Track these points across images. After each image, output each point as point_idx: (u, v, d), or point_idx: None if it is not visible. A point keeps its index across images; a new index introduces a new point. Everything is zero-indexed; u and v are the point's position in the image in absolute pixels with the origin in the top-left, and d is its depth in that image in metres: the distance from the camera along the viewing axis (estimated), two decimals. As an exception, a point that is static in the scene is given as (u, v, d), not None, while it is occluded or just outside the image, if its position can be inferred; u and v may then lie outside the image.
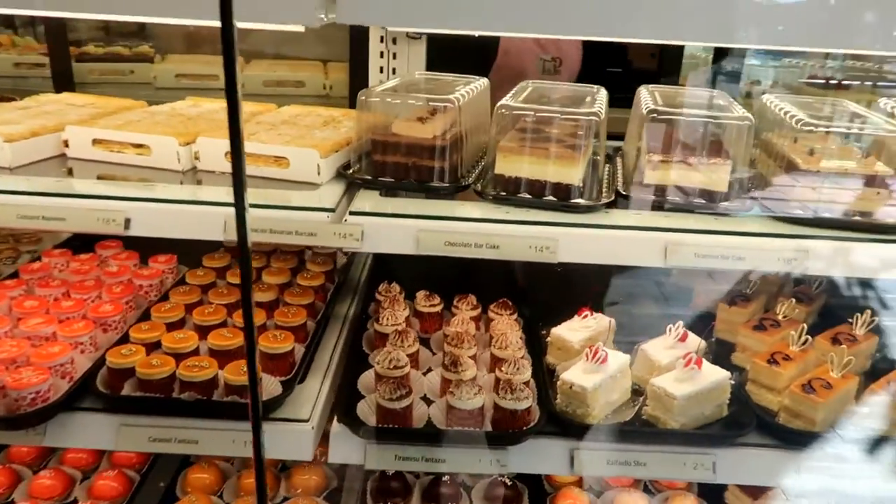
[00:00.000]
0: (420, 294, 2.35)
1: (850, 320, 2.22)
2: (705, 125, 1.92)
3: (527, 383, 1.90)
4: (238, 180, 0.96)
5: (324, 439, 1.89)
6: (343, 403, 1.93)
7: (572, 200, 1.84)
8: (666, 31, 1.51)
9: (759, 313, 2.33)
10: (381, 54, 2.66)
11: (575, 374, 1.89)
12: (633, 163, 2.03)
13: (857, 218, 1.82)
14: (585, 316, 2.19)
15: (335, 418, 1.88)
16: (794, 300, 2.27)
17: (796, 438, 1.88)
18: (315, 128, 2.20)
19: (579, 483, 2.41)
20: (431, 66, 2.65)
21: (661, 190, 1.89)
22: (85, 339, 1.98)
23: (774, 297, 2.42)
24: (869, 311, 2.20)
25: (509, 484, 2.31)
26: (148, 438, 1.81)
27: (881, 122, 2.02)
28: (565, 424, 1.87)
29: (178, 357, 1.89)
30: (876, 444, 1.90)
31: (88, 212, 1.75)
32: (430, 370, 2.12)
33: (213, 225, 1.73)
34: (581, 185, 1.86)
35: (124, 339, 2.01)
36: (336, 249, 2.59)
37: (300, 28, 1.59)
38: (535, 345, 2.22)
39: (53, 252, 2.49)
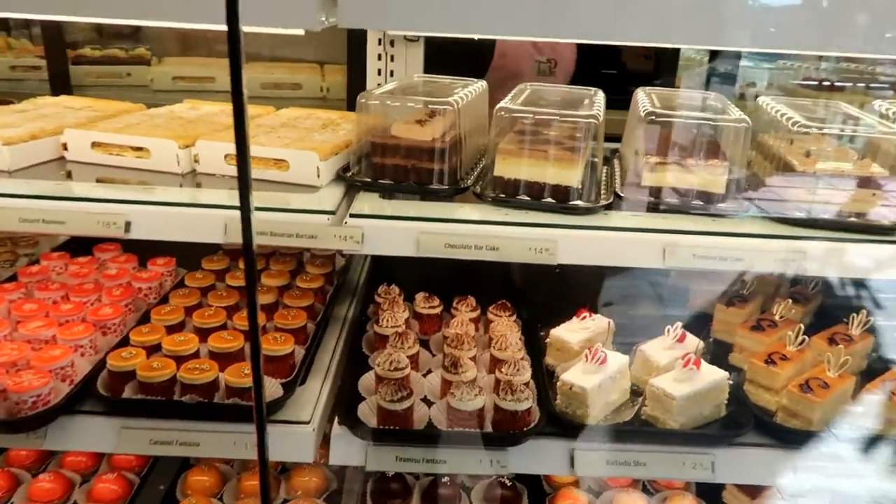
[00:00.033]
0: (419, 296, 2.36)
1: (846, 320, 2.24)
2: (703, 127, 1.94)
3: (527, 384, 1.91)
4: (244, 183, 0.97)
5: (324, 441, 1.90)
6: (344, 405, 1.94)
7: (571, 202, 1.86)
8: (659, 35, 1.52)
9: (756, 314, 2.35)
10: (379, 56, 2.66)
11: (574, 375, 1.90)
12: (632, 165, 2.04)
13: (852, 219, 1.83)
14: (584, 317, 2.21)
15: (336, 420, 1.88)
16: (790, 301, 2.29)
17: (794, 438, 1.89)
18: (314, 130, 2.21)
19: (578, 483, 2.42)
20: (428, 68, 2.66)
21: (659, 192, 1.90)
22: (85, 342, 1.98)
23: (771, 298, 2.45)
24: (864, 312, 2.23)
25: (508, 485, 2.32)
26: (149, 441, 1.82)
27: (875, 124, 2.04)
28: (565, 425, 1.88)
29: (179, 360, 1.89)
30: (872, 442, 1.92)
31: (89, 215, 1.75)
32: (430, 372, 2.13)
33: (214, 228, 1.73)
34: (580, 187, 1.87)
35: (124, 342, 2.01)
36: (334, 252, 2.59)
37: (300, 32, 1.59)
38: (534, 346, 2.24)
39: (51, 255, 2.49)
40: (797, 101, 2.28)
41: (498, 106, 1.97)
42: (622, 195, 1.95)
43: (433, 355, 2.22)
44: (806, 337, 2.07)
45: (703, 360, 1.97)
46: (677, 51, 4.11)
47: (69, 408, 1.81)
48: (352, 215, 1.78)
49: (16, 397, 1.73)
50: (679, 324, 2.13)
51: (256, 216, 1.79)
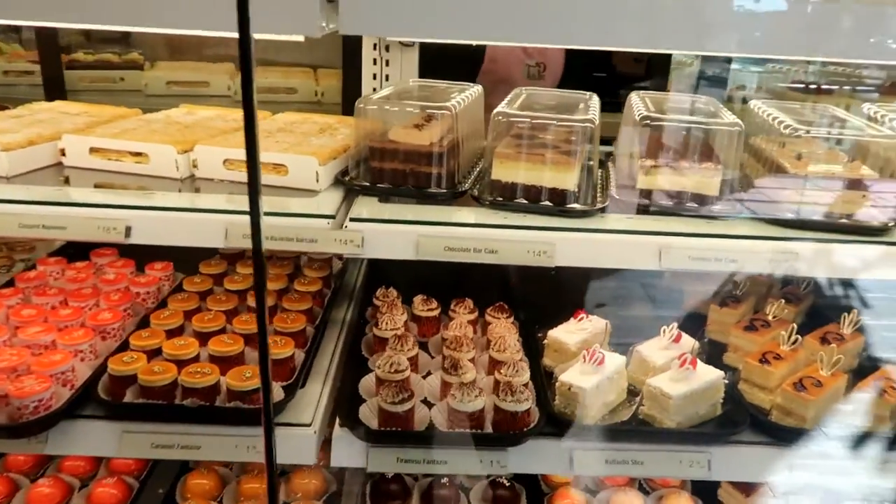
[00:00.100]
0: (417, 298, 2.38)
1: (838, 320, 2.28)
2: (697, 131, 1.97)
3: (526, 385, 1.93)
4: (253, 189, 0.99)
5: (324, 444, 1.91)
6: (345, 407, 1.95)
7: (568, 205, 1.88)
8: (649, 41, 1.55)
9: (749, 314, 2.39)
10: (374, 61, 2.68)
11: (573, 376, 1.93)
12: (627, 168, 2.07)
13: (843, 220, 1.87)
14: (581, 318, 2.23)
15: (337, 422, 1.90)
16: (783, 301, 2.33)
17: (788, 435, 1.93)
18: (311, 135, 2.22)
19: (575, 483, 2.44)
20: (421, 72, 2.68)
21: (654, 194, 1.93)
22: (85, 346, 1.98)
23: (764, 298, 2.48)
24: (855, 311, 2.26)
25: (507, 485, 2.34)
26: (150, 445, 1.82)
27: (864, 127, 2.08)
28: (564, 425, 1.91)
29: (180, 364, 1.90)
30: (864, 439, 1.95)
31: (89, 220, 1.76)
32: (429, 373, 2.14)
33: (215, 232, 1.75)
34: (576, 189, 1.90)
35: (123, 347, 2.02)
36: (332, 255, 2.61)
37: (300, 38, 1.61)
38: (532, 347, 2.26)
39: (48, 260, 2.48)
40: (788, 105, 2.32)
41: (495, 110, 2.00)
42: (618, 198, 1.97)
43: (432, 357, 2.24)
44: (799, 336, 2.11)
45: (698, 360, 2.00)
46: (668, 54, 4.15)
47: (70, 412, 1.81)
48: (351, 219, 1.79)
49: (17, 402, 1.73)
50: (675, 324, 2.16)
51: (257, 220, 1.80)
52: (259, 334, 1.07)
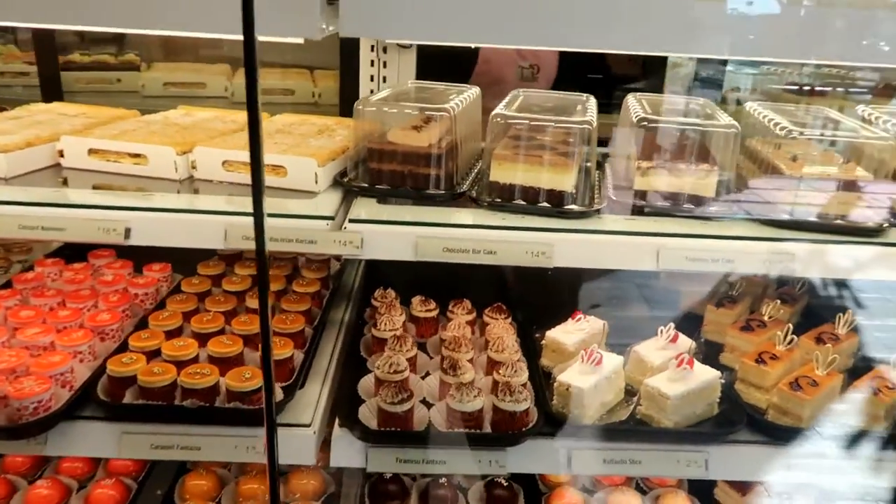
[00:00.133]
0: (416, 299, 2.39)
1: (833, 320, 2.29)
2: (693, 133, 1.98)
3: (525, 385, 1.94)
4: (257, 190, 0.99)
5: (322, 444, 1.92)
6: (344, 408, 1.96)
7: (566, 206, 1.89)
8: (643, 44, 1.56)
9: (745, 314, 2.41)
10: (372, 63, 2.69)
11: (571, 376, 1.94)
12: (624, 169, 2.08)
13: (838, 221, 1.88)
14: (579, 319, 2.24)
15: (337, 422, 1.90)
16: (778, 301, 2.34)
17: (785, 434, 1.94)
18: (310, 136, 2.23)
19: (572, 482, 2.45)
20: (417, 73, 2.69)
21: (651, 195, 1.95)
22: (84, 347, 1.99)
23: (760, 299, 2.50)
24: (850, 311, 2.28)
25: (505, 484, 2.35)
26: (150, 446, 1.83)
27: (859, 129, 2.10)
28: (562, 425, 1.92)
29: (179, 365, 1.91)
30: (859, 438, 1.97)
31: (89, 222, 1.76)
32: (427, 374, 2.15)
33: (215, 233, 1.75)
34: (574, 191, 1.91)
35: (122, 348, 2.02)
36: (330, 256, 2.61)
37: (300, 40, 1.61)
38: (530, 348, 2.27)
39: (46, 262, 2.48)
40: (783, 107, 2.34)
41: (493, 112, 2.01)
42: (616, 199, 1.99)
43: (430, 358, 2.25)
44: (794, 336, 2.13)
45: (695, 360, 2.01)
46: (663, 56, 4.17)
47: (70, 413, 1.81)
48: (350, 220, 1.80)
49: (17, 403, 1.73)
50: (672, 325, 2.18)
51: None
52: (262, 335, 1.08)
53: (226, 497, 2.33)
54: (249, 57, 0.90)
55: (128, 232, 1.75)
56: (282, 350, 1.97)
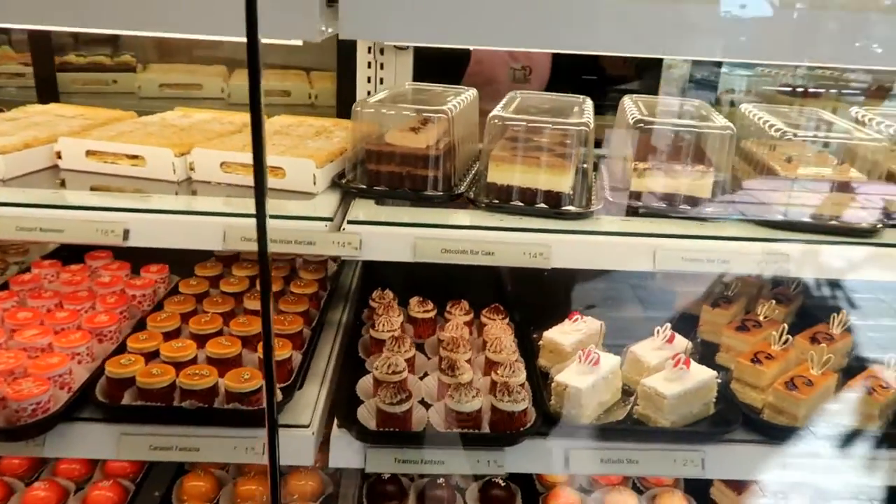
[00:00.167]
0: (413, 300, 2.40)
1: (827, 320, 2.31)
2: (689, 134, 2.00)
3: (523, 385, 1.95)
4: (260, 191, 1.00)
5: (320, 445, 1.92)
6: (343, 408, 1.97)
7: (563, 207, 1.90)
8: (635, 45, 1.58)
9: (740, 314, 2.42)
10: (369, 65, 2.69)
11: (569, 376, 1.95)
12: (621, 170, 2.10)
13: (833, 222, 1.90)
14: (576, 319, 2.25)
15: (336, 423, 1.91)
16: (774, 301, 2.36)
17: (780, 433, 1.96)
18: (308, 138, 2.24)
19: (569, 482, 2.46)
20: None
21: (647, 196, 1.96)
22: (82, 349, 1.98)
23: (755, 299, 2.52)
24: (844, 311, 2.30)
25: (502, 485, 2.36)
26: (149, 447, 1.83)
27: (852, 130, 2.12)
28: (560, 425, 1.93)
29: (178, 366, 1.91)
30: (853, 437, 1.98)
31: (87, 223, 1.76)
32: (426, 374, 2.16)
33: (213, 235, 1.75)
34: (571, 192, 1.92)
35: (120, 349, 2.02)
36: (327, 257, 2.62)
37: (298, 42, 1.62)
38: (527, 348, 2.28)
39: (43, 263, 2.48)
40: (777, 109, 2.36)
41: (491, 114, 2.02)
42: (612, 200, 2.00)
43: (428, 358, 2.26)
44: (790, 336, 2.14)
45: (691, 360, 2.02)
46: (658, 58, 4.19)
47: (68, 415, 1.81)
48: (349, 222, 1.81)
49: (15, 405, 1.73)
50: (668, 325, 2.19)
51: (254, 223, 1.82)
52: (264, 335, 1.09)
53: (224, 498, 2.33)
54: (252, 59, 0.90)
55: (126, 233, 1.75)
56: (280, 351, 1.98)
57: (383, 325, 2.20)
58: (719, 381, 2.05)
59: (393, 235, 1.79)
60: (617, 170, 2.19)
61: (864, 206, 1.95)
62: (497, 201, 1.93)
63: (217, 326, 2.11)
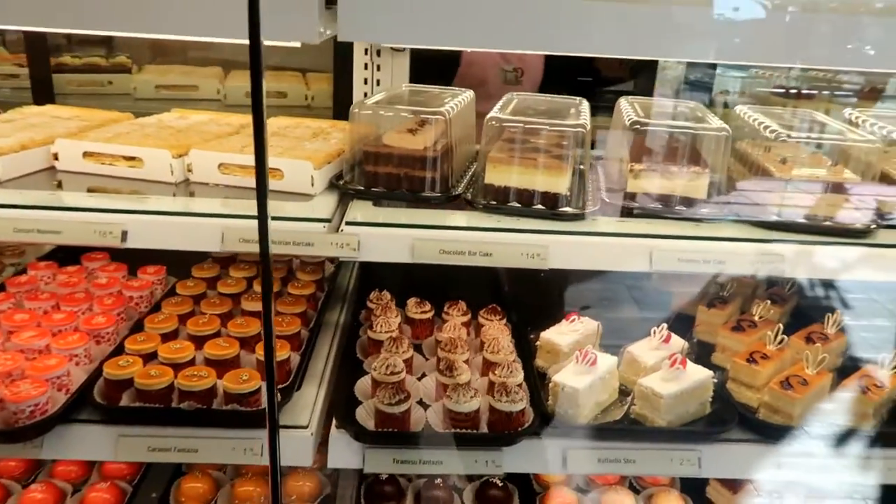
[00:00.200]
0: (411, 301, 2.40)
1: (822, 320, 2.33)
2: (685, 136, 2.01)
3: (520, 385, 1.96)
4: (261, 193, 1.00)
5: (318, 446, 1.92)
6: (341, 409, 1.97)
7: (560, 209, 1.91)
8: (630, 48, 1.59)
9: (736, 315, 2.44)
10: (366, 66, 2.70)
11: (566, 376, 1.96)
12: (617, 172, 2.11)
13: (827, 223, 1.92)
14: (573, 320, 2.26)
15: (334, 424, 1.91)
16: (769, 301, 2.38)
17: (776, 432, 1.97)
18: (305, 139, 2.24)
19: (567, 482, 2.48)
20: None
21: (643, 198, 1.97)
22: (80, 351, 1.98)
23: (750, 299, 2.53)
24: (839, 311, 2.32)
25: (500, 485, 2.36)
26: (147, 448, 1.83)
27: (846, 131, 2.13)
28: (557, 425, 1.94)
29: (176, 367, 1.91)
30: (848, 436, 2.00)
31: (85, 225, 1.76)
32: (423, 375, 2.17)
33: (211, 236, 1.75)
34: (568, 193, 1.93)
35: (118, 351, 2.02)
36: (325, 258, 2.62)
37: (296, 43, 1.63)
38: (525, 348, 2.29)
39: (39, 265, 2.48)
40: (771, 110, 2.37)
41: (489, 115, 2.03)
42: (609, 201, 2.01)
43: (426, 359, 2.27)
44: (785, 336, 2.16)
45: (688, 360, 2.04)
46: (653, 60, 4.20)
47: (66, 416, 1.81)
48: (347, 223, 1.81)
49: (13, 407, 1.73)
50: (664, 325, 2.20)
51: (253, 224, 1.82)
52: (265, 336, 1.09)
53: (222, 500, 2.33)
54: (255, 61, 0.91)
55: (124, 235, 1.75)
56: (278, 352, 1.97)
57: (381, 325, 2.21)
58: (715, 380, 2.06)
59: (391, 236, 1.80)
60: (613, 171, 2.21)
61: (858, 206, 1.96)
62: (494, 202, 1.94)
63: (215, 328, 2.12)
